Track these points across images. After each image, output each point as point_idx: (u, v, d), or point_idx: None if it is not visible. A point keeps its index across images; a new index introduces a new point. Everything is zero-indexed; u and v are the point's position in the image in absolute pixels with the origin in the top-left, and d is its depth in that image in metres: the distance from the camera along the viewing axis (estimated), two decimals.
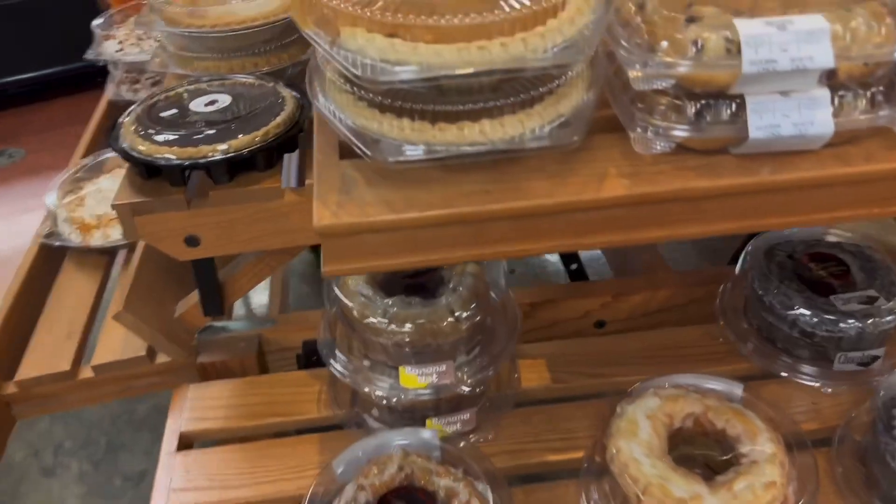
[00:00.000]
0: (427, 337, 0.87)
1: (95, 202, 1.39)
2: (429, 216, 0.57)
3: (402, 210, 0.57)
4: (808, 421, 0.96)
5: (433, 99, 0.57)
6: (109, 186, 1.42)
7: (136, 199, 0.92)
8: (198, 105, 1.00)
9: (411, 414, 0.94)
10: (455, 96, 0.57)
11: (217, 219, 0.94)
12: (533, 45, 0.53)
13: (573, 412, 0.97)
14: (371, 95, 0.58)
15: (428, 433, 0.86)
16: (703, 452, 0.88)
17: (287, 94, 1.02)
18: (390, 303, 0.89)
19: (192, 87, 1.05)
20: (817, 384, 1.00)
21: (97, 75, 1.93)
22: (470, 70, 0.52)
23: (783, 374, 1.01)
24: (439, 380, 0.88)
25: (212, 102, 1.00)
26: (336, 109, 0.60)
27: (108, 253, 1.37)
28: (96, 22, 1.80)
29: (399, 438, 0.86)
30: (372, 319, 0.89)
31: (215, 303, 1.05)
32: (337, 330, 0.95)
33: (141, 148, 0.93)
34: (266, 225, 0.95)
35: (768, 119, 0.57)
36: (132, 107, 1.04)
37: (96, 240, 1.33)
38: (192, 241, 0.95)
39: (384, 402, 0.90)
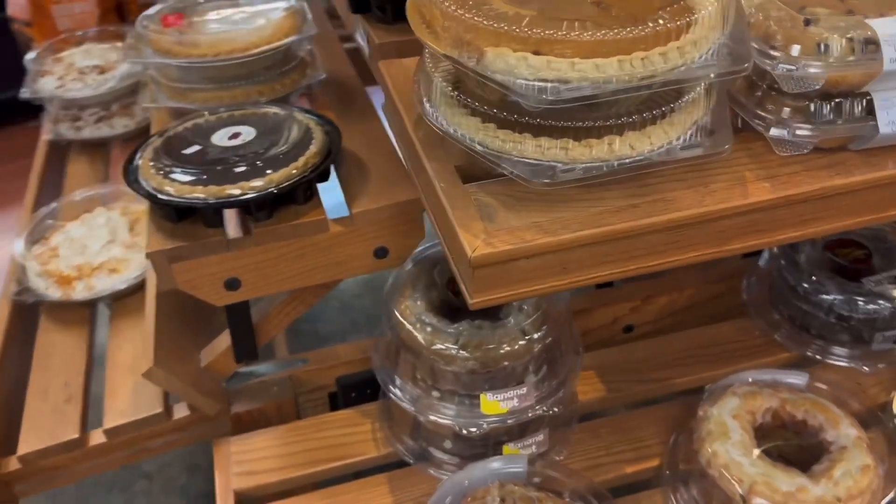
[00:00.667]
0: (501, 361, 0.85)
1: (71, 252, 1.28)
2: (583, 236, 0.55)
3: (555, 232, 0.55)
4: (857, 401, 0.99)
5: (571, 115, 0.55)
6: (82, 234, 1.32)
7: (170, 245, 0.85)
8: (220, 139, 0.93)
9: (483, 442, 0.91)
10: (600, 111, 0.55)
11: (259, 258, 0.88)
12: (690, 55, 0.52)
13: (638, 420, 0.97)
14: (505, 115, 0.55)
15: (515, 459, 0.83)
16: (776, 444, 0.90)
17: (308, 121, 0.97)
18: (460, 328, 0.85)
19: (205, 120, 0.98)
20: (856, 365, 1.04)
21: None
22: (636, 83, 0.50)
23: (829, 360, 1.04)
24: (520, 403, 0.85)
25: (235, 135, 0.94)
26: (465, 133, 0.57)
27: (89, 305, 1.27)
28: (29, 56, 1.67)
29: (484, 470, 0.83)
30: (440, 346, 0.85)
31: (249, 347, 0.99)
32: (399, 359, 0.91)
33: (169, 189, 0.86)
34: (310, 260, 0.90)
35: (895, 115, 0.58)
36: (144, 144, 0.96)
37: (79, 292, 1.23)
38: (232, 285, 0.89)
39: (463, 432, 0.87)
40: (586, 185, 0.57)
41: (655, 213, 0.56)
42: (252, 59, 1.04)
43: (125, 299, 1.26)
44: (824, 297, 1.03)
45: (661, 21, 0.52)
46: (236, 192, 0.85)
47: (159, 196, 0.87)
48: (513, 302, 0.89)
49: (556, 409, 0.89)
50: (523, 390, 0.85)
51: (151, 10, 1.13)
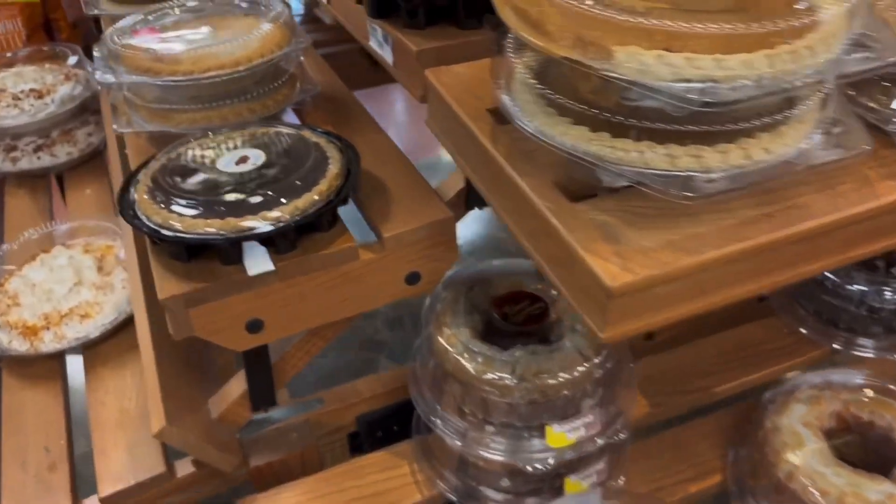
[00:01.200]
0: (562, 389, 0.78)
1: (35, 299, 1.15)
2: (726, 253, 0.49)
3: (695, 251, 0.49)
4: None
5: (698, 119, 0.49)
6: (43, 277, 1.18)
7: (187, 287, 0.75)
8: (227, 164, 0.83)
9: (540, 476, 0.84)
10: (730, 113, 0.49)
11: (284, 295, 0.79)
12: (833, 48, 0.47)
13: (689, 435, 0.92)
14: (619, 120, 0.49)
15: (589, 499, 0.77)
16: (836, 445, 0.86)
17: (318, 139, 0.88)
18: (517, 356, 0.79)
19: (203, 144, 0.88)
20: (888, 356, 1.02)
21: None
22: (788, 79, 0.45)
23: (858, 352, 1.02)
24: (587, 432, 0.79)
25: (243, 160, 0.84)
26: (574, 144, 0.51)
27: (58, 356, 1.13)
28: None
29: None
30: (494, 376, 0.78)
31: (268, 394, 0.89)
32: (442, 391, 0.84)
33: (176, 224, 0.76)
34: (340, 292, 0.82)
35: None
36: (134, 174, 0.85)
37: (48, 344, 1.10)
38: (255, 326, 0.79)
39: (528, 468, 0.80)
40: (706, 197, 0.52)
41: (793, 223, 0.51)
42: (242, 74, 0.94)
43: (98, 346, 1.13)
44: (853, 289, 1.01)
45: (796, 13, 0.47)
46: (257, 223, 0.76)
47: (166, 233, 0.76)
48: (562, 323, 0.84)
49: (621, 435, 0.83)
50: (589, 418, 0.79)
51: (121, 24, 1.01)
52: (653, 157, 0.49)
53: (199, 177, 0.82)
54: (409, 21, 0.75)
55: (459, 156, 0.64)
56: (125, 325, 1.15)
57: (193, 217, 0.77)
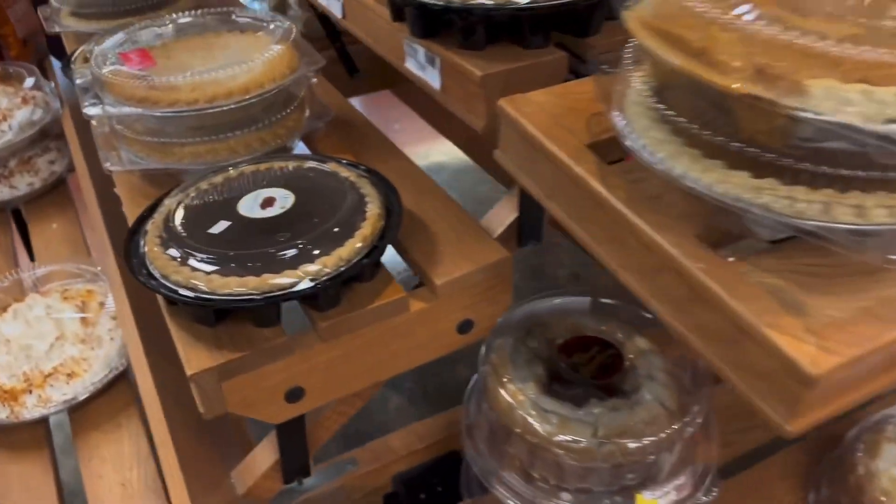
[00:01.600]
0: (649, 450, 0.70)
1: (11, 358, 1.01)
2: None
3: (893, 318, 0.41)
4: None
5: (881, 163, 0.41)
6: (20, 332, 1.05)
7: (221, 358, 0.64)
8: (251, 208, 0.73)
9: None
10: None
11: (328, 357, 0.69)
12: None
13: (761, 477, 0.85)
14: (790, 162, 0.41)
15: None
16: None
17: (347, 172, 0.78)
18: (597, 414, 0.70)
19: (218, 183, 0.77)
20: None
21: None
22: None
23: None
24: (679, 496, 0.71)
25: (268, 203, 0.73)
26: (734, 193, 0.42)
27: (42, 422, 1.01)
28: None
29: None
30: (568, 438, 0.70)
31: (302, 464, 0.79)
32: (504, 451, 0.75)
33: (199, 284, 0.65)
34: (387, 348, 0.72)
35: None
36: (140, 221, 0.74)
37: (32, 409, 0.97)
38: (294, 395, 0.69)
39: None
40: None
41: None
42: (252, 102, 0.83)
43: (87, 407, 1.01)
44: None
45: None
46: (296, 279, 0.65)
47: (189, 296, 0.65)
48: (635, 371, 0.75)
49: (713, 494, 0.75)
50: (680, 480, 0.71)
51: (105, 46, 0.89)
52: (841, 211, 0.40)
53: (221, 225, 0.71)
54: (463, 41, 0.65)
55: (549, 199, 0.55)
56: (116, 382, 1.03)
57: (220, 274, 0.66)
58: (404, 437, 0.91)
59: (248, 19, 0.94)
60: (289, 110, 0.89)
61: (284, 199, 0.74)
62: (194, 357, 0.65)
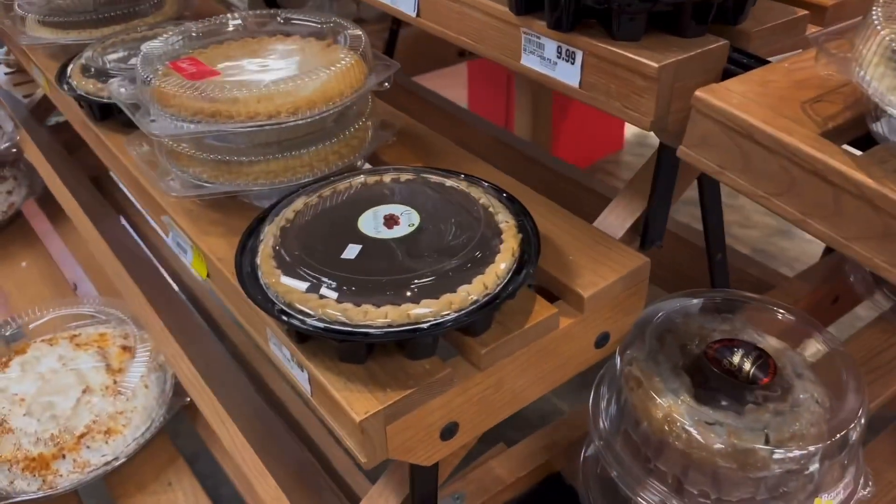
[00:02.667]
0: (821, 452, 0.67)
1: (34, 420, 0.88)
2: None
3: None
4: None
5: None
6: (36, 388, 0.91)
7: (385, 399, 0.57)
8: (374, 227, 0.65)
9: None
10: None
11: (484, 386, 0.63)
12: None
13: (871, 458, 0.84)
14: None
15: None
16: None
17: (461, 184, 0.72)
18: (765, 419, 0.67)
19: (323, 198, 0.69)
20: None
21: None
22: None
23: None
24: (845, 494, 0.69)
25: (392, 221, 0.66)
26: None
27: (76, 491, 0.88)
28: None
29: None
30: (743, 447, 0.66)
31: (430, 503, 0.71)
32: (653, 467, 0.70)
33: (337, 315, 0.57)
34: (535, 371, 0.67)
35: None
36: (246, 239, 0.65)
37: (69, 476, 0.84)
38: (449, 432, 0.62)
39: None
40: None
41: None
42: (330, 113, 0.75)
43: (123, 467, 0.89)
44: None
45: None
46: (453, 307, 0.58)
47: (339, 329, 0.57)
48: (784, 370, 0.73)
49: (870, 488, 0.73)
50: (847, 479, 0.69)
51: (147, 54, 0.78)
52: None
53: (353, 249, 0.63)
54: (618, 32, 0.60)
55: (777, 197, 0.51)
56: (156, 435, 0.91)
57: (370, 303, 0.58)
58: (506, 464, 0.85)
59: (303, 23, 0.85)
60: (360, 122, 0.81)
61: (409, 217, 0.66)
62: (357, 401, 0.56)
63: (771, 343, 0.75)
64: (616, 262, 0.69)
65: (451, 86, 2.10)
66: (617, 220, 0.76)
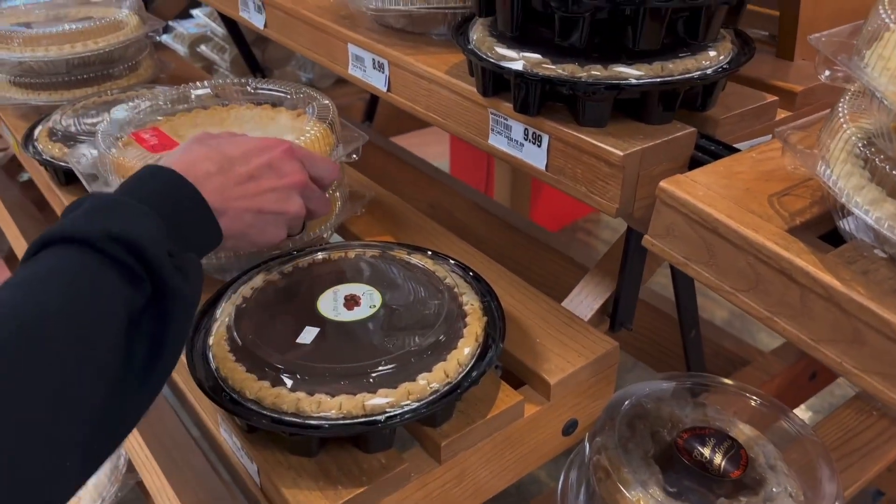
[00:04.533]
0: None
1: None
2: None
3: None
4: None
5: None
6: None
7: (338, 498, 0.54)
8: (333, 309, 0.63)
9: None
10: None
11: (444, 480, 0.60)
12: None
13: None
14: None
15: None
16: None
17: (426, 261, 0.70)
18: None
19: (284, 275, 0.66)
20: None
21: None
22: None
23: None
24: None
25: (353, 301, 0.64)
26: None
27: None
28: None
29: None
30: None
31: None
32: None
33: (289, 406, 0.55)
34: (499, 462, 0.64)
35: None
36: (199, 329, 0.62)
37: None
38: None
39: None
40: None
41: None
42: None
43: None
44: None
45: None
46: (412, 397, 0.56)
47: (290, 419, 0.55)
48: (758, 463, 0.70)
49: None
50: None
51: (115, 117, 0.77)
52: None
53: (310, 332, 0.60)
54: (583, 117, 0.59)
55: (742, 293, 0.50)
56: None
57: (324, 392, 0.56)
58: None
59: (269, 91, 0.84)
60: (328, 193, 0.79)
61: (370, 297, 0.64)
62: (305, 499, 0.54)
63: (743, 430, 0.73)
64: (584, 346, 0.67)
65: (433, 143, 2.10)
66: (587, 298, 0.75)
